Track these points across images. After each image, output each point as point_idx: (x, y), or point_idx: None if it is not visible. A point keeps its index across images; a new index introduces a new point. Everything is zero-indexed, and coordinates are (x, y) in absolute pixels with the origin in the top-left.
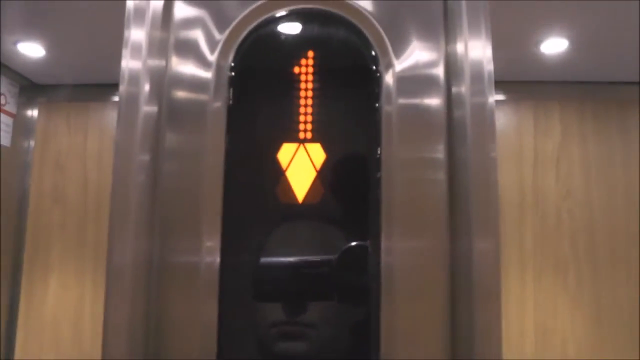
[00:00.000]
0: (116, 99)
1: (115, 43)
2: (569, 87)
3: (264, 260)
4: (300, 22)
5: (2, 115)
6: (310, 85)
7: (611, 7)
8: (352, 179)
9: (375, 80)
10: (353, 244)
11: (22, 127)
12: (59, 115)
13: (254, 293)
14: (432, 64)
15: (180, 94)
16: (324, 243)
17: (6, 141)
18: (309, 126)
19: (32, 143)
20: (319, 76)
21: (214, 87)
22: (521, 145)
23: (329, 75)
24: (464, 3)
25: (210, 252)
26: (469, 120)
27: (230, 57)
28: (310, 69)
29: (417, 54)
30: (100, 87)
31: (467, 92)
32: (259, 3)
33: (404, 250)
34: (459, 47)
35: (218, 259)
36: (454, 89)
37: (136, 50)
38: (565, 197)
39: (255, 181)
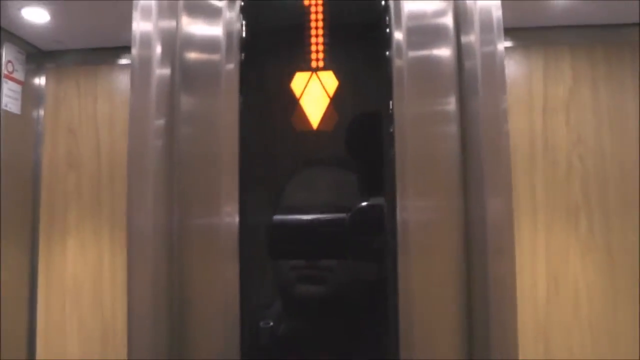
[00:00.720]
0: (124, 61)
1: (121, 5)
2: (579, 31)
3: (277, 218)
4: None
5: (11, 82)
6: (320, 17)
7: None
8: (365, 108)
9: (383, 15)
10: (364, 204)
11: (31, 95)
12: (68, 80)
13: (268, 251)
14: (441, 13)
15: (193, 54)
16: (340, 187)
17: (16, 108)
18: (321, 55)
19: (41, 111)
20: (329, 7)
21: (225, 38)
22: (531, 92)
23: (338, 7)
24: None
25: (229, 213)
26: (480, 70)
27: None
28: (320, 1)
29: (425, 3)
30: (108, 50)
31: (476, 41)
32: None
33: (419, 208)
34: None
35: (237, 219)
36: (463, 39)
37: (146, 12)
38: (576, 144)
39: (271, 113)
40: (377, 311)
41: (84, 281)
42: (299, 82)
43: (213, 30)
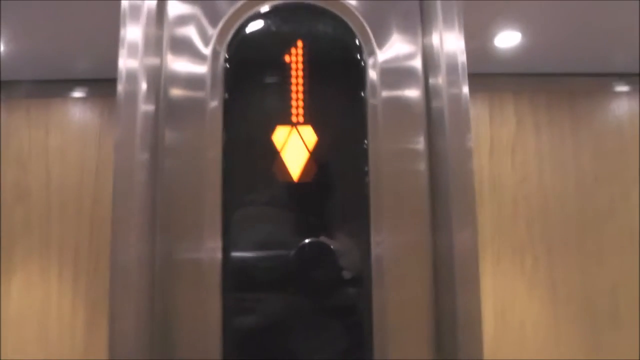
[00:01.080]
0: (77, 94)
1: (76, 38)
2: (522, 79)
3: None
4: (289, 15)
5: None
6: (300, 73)
7: (562, 3)
8: (343, 158)
9: (359, 68)
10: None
11: None
12: (18, 111)
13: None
14: (411, 56)
15: (177, 91)
16: (319, 225)
17: None
18: (301, 110)
19: None
20: (309, 64)
21: (210, 81)
22: (478, 135)
23: (317, 63)
24: None
25: (212, 249)
26: (446, 110)
27: (224, 50)
28: (300, 58)
29: (397, 46)
30: (60, 83)
31: (443, 83)
32: None
33: (392, 243)
34: (435, 40)
35: (220, 255)
36: (431, 80)
37: (133, 49)
38: (521, 184)
39: (253, 163)
40: (351, 340)
41: (27, 320)
42: (280, 135)
43: (198, 69)
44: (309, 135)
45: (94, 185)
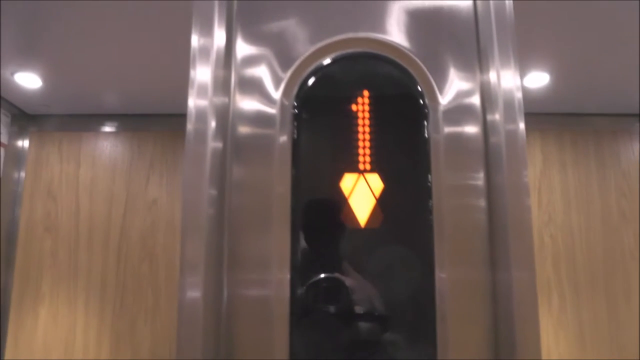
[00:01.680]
0: (107, 129)
1: (106, 75)
2: (549, 119)
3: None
4: (356, 64)
5: None
6: (367, 122)
7: (589, 45)
8: (408, 205)
9: (422, 113)
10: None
11: (13, 157)
12: (51, 144)
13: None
14: (470, 93)
15: (245, 129)
16: (386, 267)
17: None
18: (368, 158)
19: (22, 173)
20: (374, 112)
21: (279, 122)
22: None
23: (382, 111)
24: (495, 37)
25: (280, 285)
26: (504, 146)
27: (294, 94)
28: (367, 107)
29: (457, 85)
30: (91, 117)
31: (500, 119)
32: (319, 46)
33: (454, 278)
34: (492, 77)
35: (288, 291)
36: (489, 117)
37: (202, 90)
38: (547, 223)
39: (321, 208)
40: None
41: (53, 351)
42: (347, 182)
43: (267, 109)
44: (376, 182)
45: (122, 218)
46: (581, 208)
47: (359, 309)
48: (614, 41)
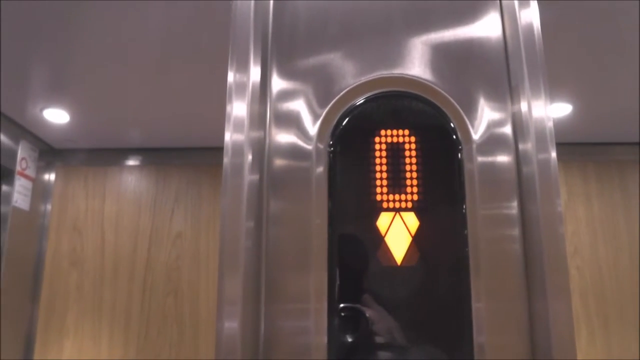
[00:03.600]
0: (131, 162)
1: (133, 110)
2: (572, 149)
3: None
4: (391, 102)
5: (23, 179)
6: (402, 160)
7: (610, 74)
8: (444, 239)
9: (456, 148)
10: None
11: (40, 191)
12: (76, 178)
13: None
14: (502, 123)
15: (281, 161)
16: (423, 301)
17: (25, 205)
18: (404, 197)
19: (48, 206)
20: (409, 151)
21: (315, 157)
22: None
23: (416, 149)
24: (525, 67)
25: (318, 314)
26: (537, 175)
27: (330, 130)
28: (401, 146)
29: (489, 115)
30: (115, 151)
31: (532, 148)
32: (355, 84)
33: (490, 309)
34: (523, 107)
35: (326, 322)
36: (520, 146)
37: (239, 124)
38: (573, 255)
39: (358, 246)
40: None
41: None
42: (383, 220)
43: (303, 144)
44: (412, 220)
45: (147, 251)
46: (608, 240)
47: (396, 343)
48: (634, 70)
